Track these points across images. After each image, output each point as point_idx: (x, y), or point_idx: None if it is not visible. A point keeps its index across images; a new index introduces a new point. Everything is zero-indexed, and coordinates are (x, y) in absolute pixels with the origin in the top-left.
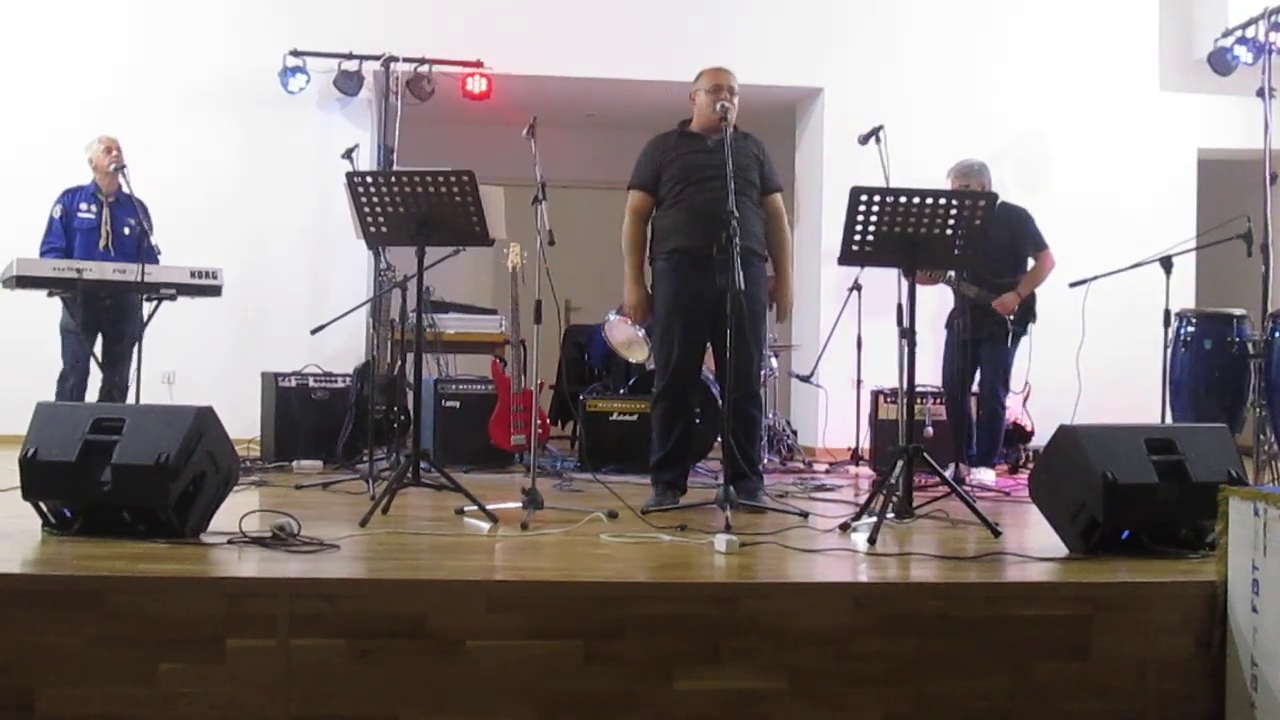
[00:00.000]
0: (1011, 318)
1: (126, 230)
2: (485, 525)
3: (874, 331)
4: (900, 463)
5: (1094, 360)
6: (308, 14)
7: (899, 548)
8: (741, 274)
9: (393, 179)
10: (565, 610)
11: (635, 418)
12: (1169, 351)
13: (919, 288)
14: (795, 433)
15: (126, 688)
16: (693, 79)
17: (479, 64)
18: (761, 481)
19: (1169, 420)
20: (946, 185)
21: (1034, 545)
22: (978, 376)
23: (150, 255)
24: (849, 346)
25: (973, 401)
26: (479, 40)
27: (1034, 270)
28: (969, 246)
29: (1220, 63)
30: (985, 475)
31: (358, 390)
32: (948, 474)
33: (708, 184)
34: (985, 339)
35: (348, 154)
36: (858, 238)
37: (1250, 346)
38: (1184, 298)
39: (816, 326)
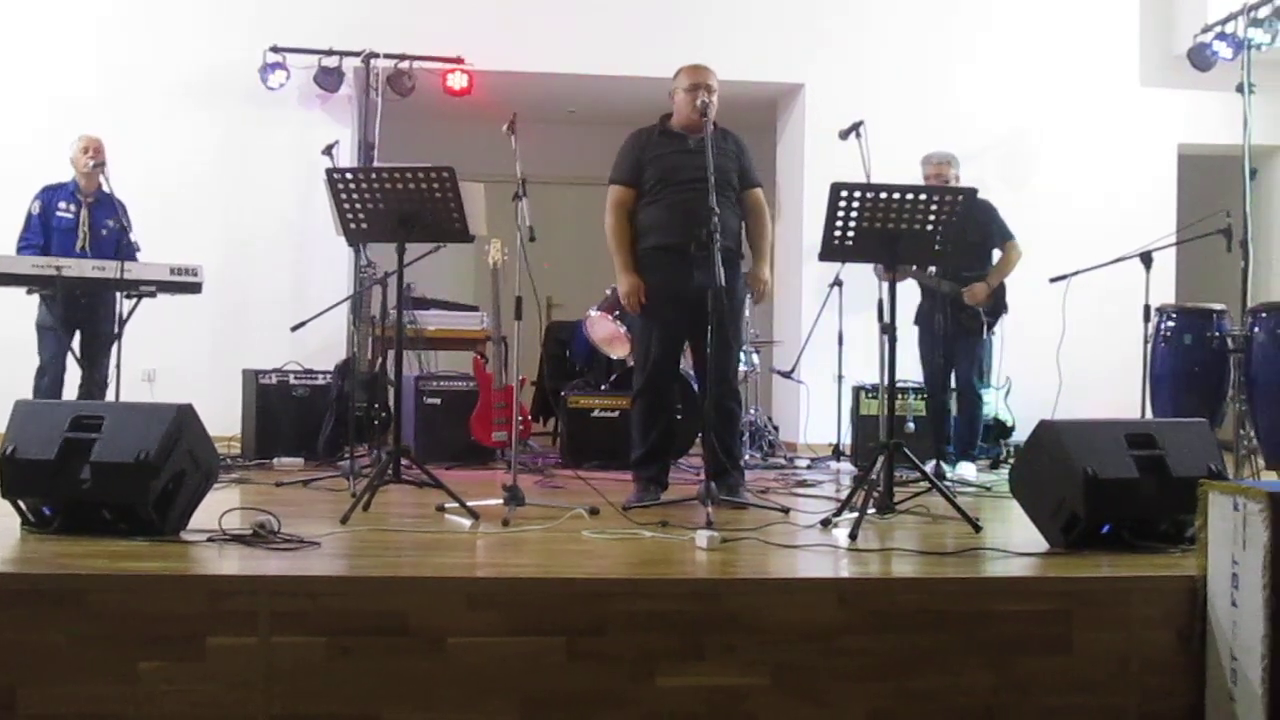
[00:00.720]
0: (981, 309)
1: (104, 231)
2: (467, 522)
3: (855, 327)
4: (881, 458)
5: (1075, 355)
6: (288, 10)
7: (880, 543)
8: (722, 271)
9: (373, 175)
10: (547, 607)
11: (617, 414)
12: (1149, 346)
13: (899, 283)
14: (777, 428)
15: (107, 686)
16: (673, 76)
17: (460, 60)
18: (743, 477)
19: (1149, 415)
20: (921, 173)
21: (1015, 540)
22: (954, 371)
23: (129, 253)
24: (830, 342)
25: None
26: (460, 36)
27: (1002, 261)
28: (948, 242)
29: (1200, 58)
30: (966, 469)
31: (339, 387)
32: (928, 469)
33: (688, 185)
34: (960, 333)
35: (328, 150)
36: (838, 234)
37: (1230, 341)
38: (1164, 293)
39: (798, 322)
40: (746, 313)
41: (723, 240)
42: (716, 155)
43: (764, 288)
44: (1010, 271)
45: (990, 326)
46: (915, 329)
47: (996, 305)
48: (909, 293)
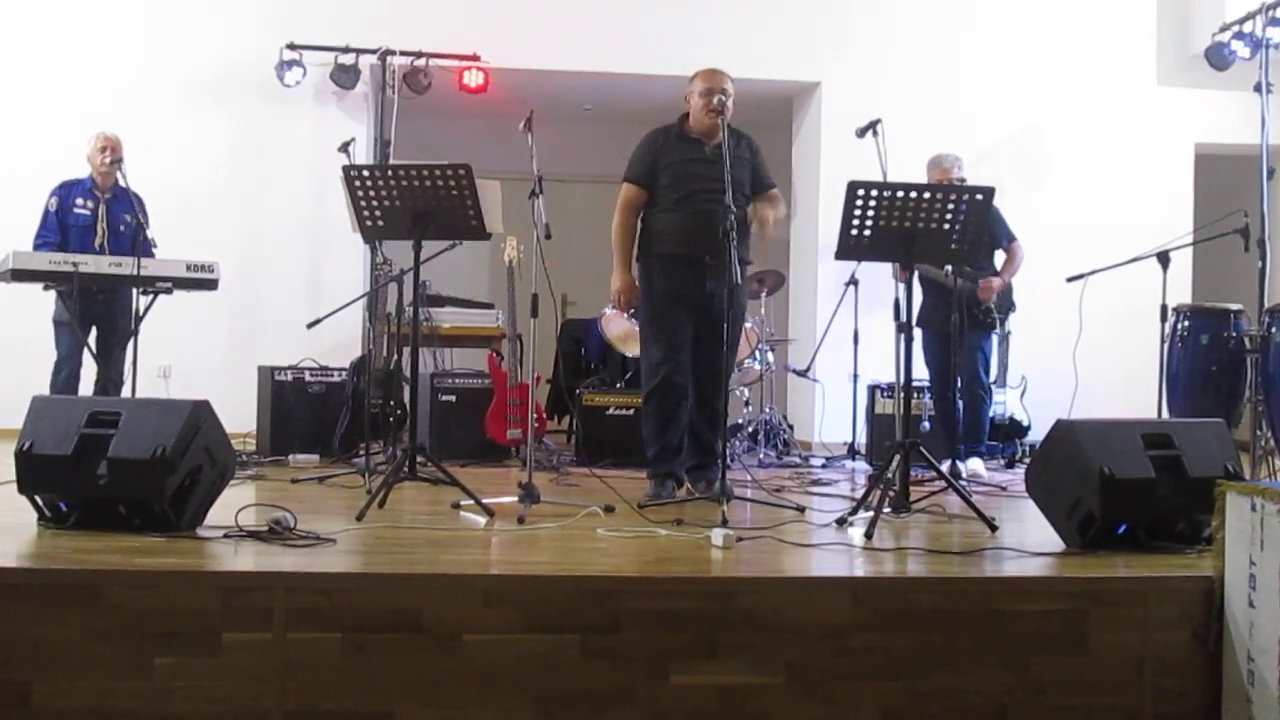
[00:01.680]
0: (994, 304)
1: (122, 227)
2: (481, 519)
3: (870, 326)
4: (897, 457)
5: (1091, 355)
6: (304, 7)
7: (895, 542)
8: (739, 269)
9: (389, 173)
10: (562, 605)
11: (632, 411)
12: (1166, 346)
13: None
14: (791, 427)
15: (122, 681)
16: (688, 75)
17: (475, 57)
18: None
19: (1166, 415)
20: (927, 177)
21: (1031, 540)
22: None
23: (146, 249)
24: (845, 341)
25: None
26: (476, 33)
27: (1010, 260)
28: (966, 240)
29: (1217, 58)
30: (976, 465)
31: (354, 384)
32: (944, 468)
33: (705, 195)
34: (967, 328)
35: (344, 147)
36: (855, 232)
37: (1247, 341)
38: (1181, 293)
39: (813, 321)
40: (754, 315)
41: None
42: (732, 160)
43: (769, 218)
44: (1017, 271)
45: (1002, 323)
46: (919, 330)
47: (1006, 304)
48: (918, 293)
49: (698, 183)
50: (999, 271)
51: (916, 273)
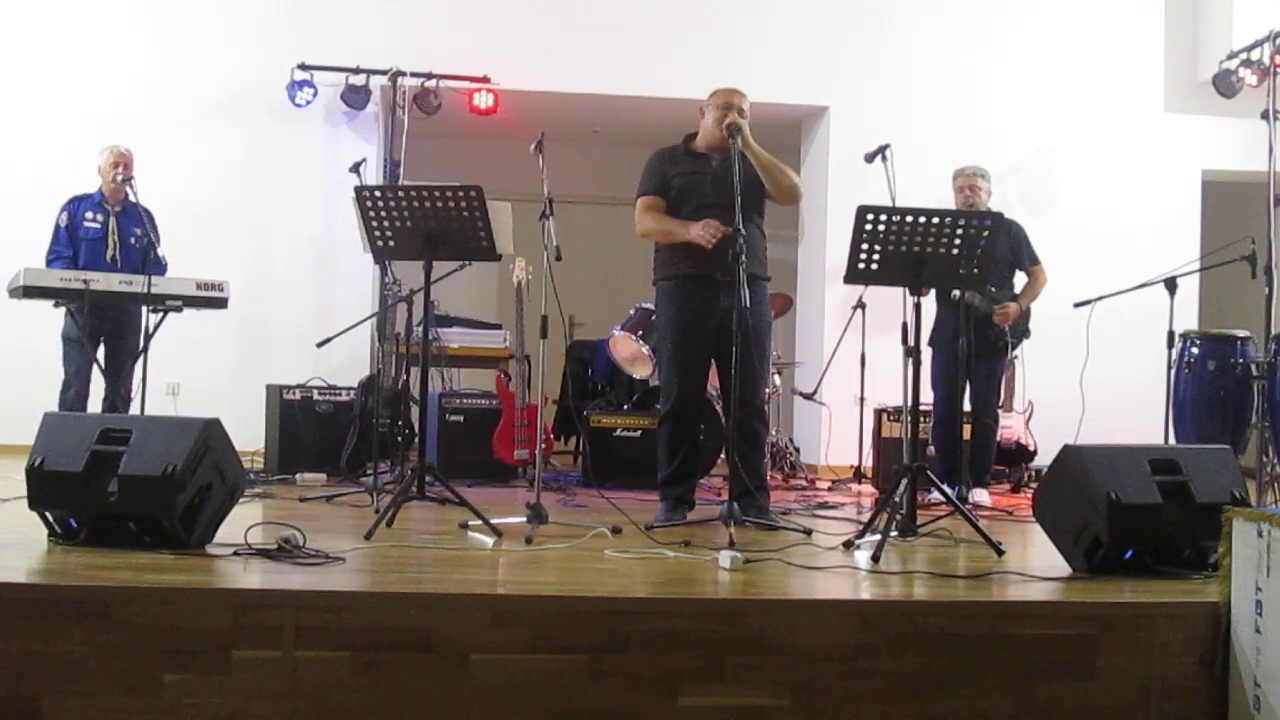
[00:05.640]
0: (1008, 330)
1: (133, 240)
2: (489, 539)
3: (877, 349)
4: (904, 481)
5: (1098, 380)
6: (316, 28)
7: (902, 566)
8: (747, 293)
9: (401, 194)
10: (569, 625)
11: (639, 433)
12: (1173, 372)
13: (921, 300)
14: (798, 450)
15: (132, 698)
16: (697, 98)
17: (485, 79)
18: (767, 497)
19: (1172, 441)
20: (952, 187)
21: (1037, 564)
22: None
23: (158, 266)
24: (852, 364)
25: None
26: (486, 55)
27: (1032, 284)
28: (975, 265)
29: (1225, 85)
30: (981, 495)
31: (362, 403)
32: (951, 492)
33: (712, 210)
34: (983, 354)
35: (355, 168)
36: (864, 257)
37: (1254, 368)
38: (1187, 319)
39: (820, 344)
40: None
41: (748, 264)
42: (743, 174)
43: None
44: (1039, 295)
45: (1013, 347)
46: (930, 349)
47: (1020, 327)
48: (929, 314)
49: (705, 198)
50: (1018, 294)
51: (934, 292)
